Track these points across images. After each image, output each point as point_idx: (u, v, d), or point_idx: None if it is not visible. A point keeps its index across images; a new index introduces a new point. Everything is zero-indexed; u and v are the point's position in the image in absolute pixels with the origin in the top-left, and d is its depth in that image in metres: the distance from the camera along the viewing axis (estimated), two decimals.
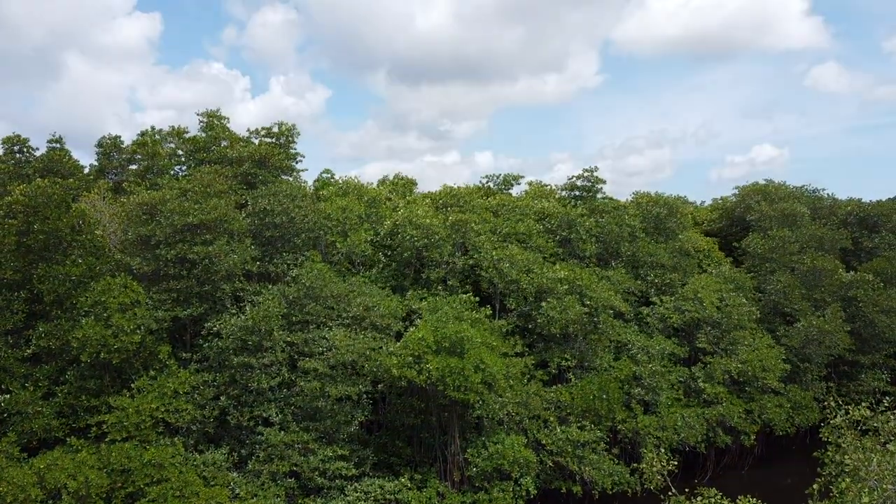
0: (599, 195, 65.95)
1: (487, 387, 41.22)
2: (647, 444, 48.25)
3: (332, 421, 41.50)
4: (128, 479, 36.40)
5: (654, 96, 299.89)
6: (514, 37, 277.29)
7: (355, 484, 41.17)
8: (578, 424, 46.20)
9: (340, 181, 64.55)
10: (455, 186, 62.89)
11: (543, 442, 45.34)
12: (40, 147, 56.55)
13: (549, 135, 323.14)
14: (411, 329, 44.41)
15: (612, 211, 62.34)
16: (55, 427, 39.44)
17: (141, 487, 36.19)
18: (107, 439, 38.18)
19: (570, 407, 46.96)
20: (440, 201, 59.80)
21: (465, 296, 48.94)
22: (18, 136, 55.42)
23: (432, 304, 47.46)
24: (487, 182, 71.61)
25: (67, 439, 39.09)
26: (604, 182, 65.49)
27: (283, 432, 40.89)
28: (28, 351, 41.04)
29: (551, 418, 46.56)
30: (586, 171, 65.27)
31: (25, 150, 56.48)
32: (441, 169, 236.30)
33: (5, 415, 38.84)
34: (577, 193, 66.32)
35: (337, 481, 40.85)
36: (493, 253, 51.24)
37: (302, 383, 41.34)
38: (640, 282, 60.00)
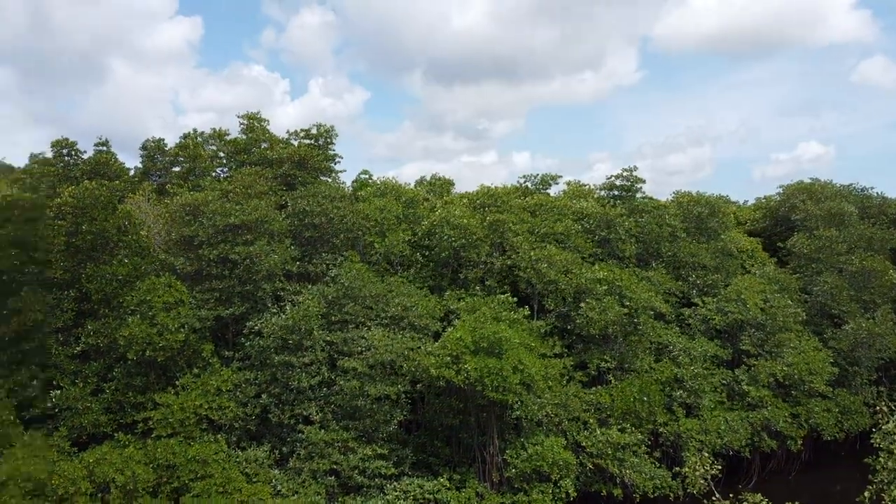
0: (639, 195, 65.08)
1: (526, 388, 41.00)
2: (689, 447, 47.47)
3: (372, 420, 41.75)
4: (173, 475, 37.15)
5: (695, 93, 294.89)
6: (551, 35, 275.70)
7: (394, 483, 41.35)
8: (619, 427, 45.66)
9: (378, 182, 64.90)
10: (492, 186, 62.72)
11: (583, 444, 44.94)
12: (87, 150, 58.02)
13: (588, 134, 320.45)
14: (449, 329, 44.42)
15: (652, 210, 61.48)
16: (103, 423, 40.45)
17: (185, 483, 36.89)
18: (153, 435, 39.05)
19: (610, 409, 46.45)
20: (477, 201, 59.70)
21: (502, 296, 48.78)
22: (67, 139, 56.91)
23: (470, 304, 47.42)
24: (525, 182, 71.24)
25: (115, 435, 40.12)
26: (643, 181, 64.61)
27: (323, 431, 41.27)
28: (77, 348, 42.20)
29: (591, 420, 46.12)
30: (625, 170, 64.50)
31: (73, 153, 57.94)
32: (478, 169, 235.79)
33: (56, 410, 39.96)
34: (616, 193, 65.56)
35: (376, 480, 41.08)
36: (531, 253, 50.97)
37: (341, 382, 41.68)
38: (681, 283, 59.09)
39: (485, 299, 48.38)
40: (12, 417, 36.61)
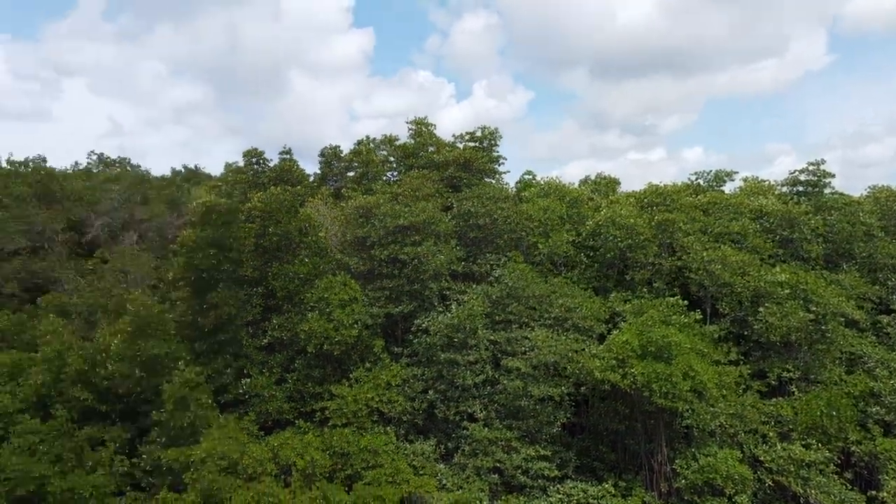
0: (827, 190, 59.61)
1: (697, 395, 39.04)
2: (887, 470, 42.71)
3: (535, 421, 41.69)
4: (347, 462, 39.37)
5: (892, 77, 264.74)
6: (725, 22, 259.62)
7: (557, 485, 40.98)
8: (803, 442, 42.12)
9: (542, 182, 64.64)
10: (661, 184, 60.22)
11: (761, 458, 41.94)
12: (273, 158, 62.90)
13: (766, 126, 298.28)
14: (615, 332, 43.32)
15: (843, 207, 56.08)
16: (286, 410, 43.77)
17: (358, 470, 38.95)
18: (329, 424, 41.66)
19: (793, 423, 42.96)
20: (645, 200, 57.59)
21: (672, 299, 46.71)
22: (256, 149, 62.14)
23: (637, 306, 45.91)
24: (697, 179, 67.63)
25: (296, 422, 43.26)
26: (832, 175, 59.07)
27: (486, 429, 41.83)
28: (264, 341, 45.98)
29: (770, 433, 42.94)
30: (811, 164, 59.37)
31: (261, 161, 63.17)
32: (645, 167, 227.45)
33: (246, 396, 43.81)
34: (801, 189, 60.46)
35: (539, 481, 40.94)
36: (704, 254, 48.37)
37: (505, 382, 42.00)
38: (877, 287, 53.39)
39: (652, 302, 46.60)
40: (210, 401, 40.63)
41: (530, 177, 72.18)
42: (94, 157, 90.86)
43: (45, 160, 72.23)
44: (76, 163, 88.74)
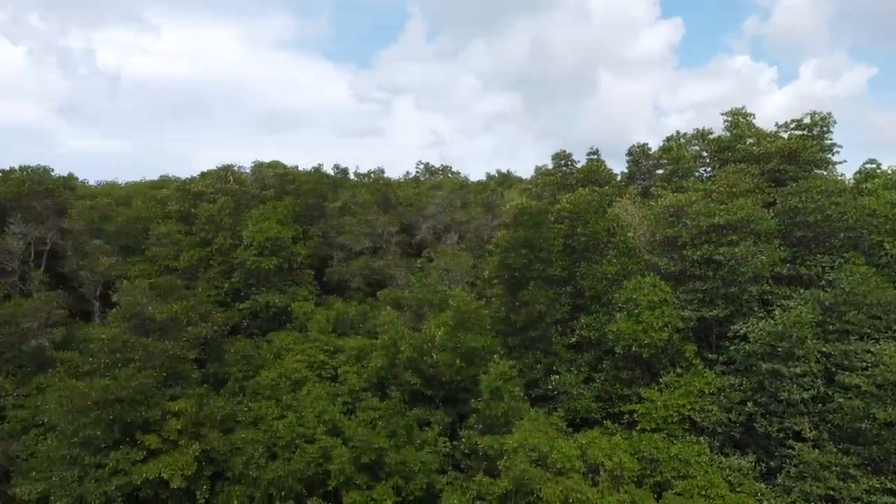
0: None
1: None
2: None
3: (879, 448, 36.16)
4: (656, 469, 38.27)
5: None
6: None
7: None
8: None
9: (889, 171, 55.68)
10: None
11: None
12: (580, 160, 63.96)
13: None
14: None
15: None
16: (594, 409, 44.06)
17: (667, 479, 37.64)
18: (637, 427, 40.94)
19: None
20: None
21: None
22: (564, 151, 63.82)
23: None
24: None
25: (603, 422, 43.26)
26: None
27: (817, 450, 37.39)
28: (572, 339, 46.88)
29: None
30: None
31: (569, 163, 64.58)
32: None
33: (555, 392, 45.08)
34: None
35: None
36: None
37: (840, 400, 37.19)
38: None
39: None
40: (522, 394, 42.61)
41: (873, 166, 62.69)
42: (421, 167, 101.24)
43: (382, 171, 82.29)
44: (407, 172, 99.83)
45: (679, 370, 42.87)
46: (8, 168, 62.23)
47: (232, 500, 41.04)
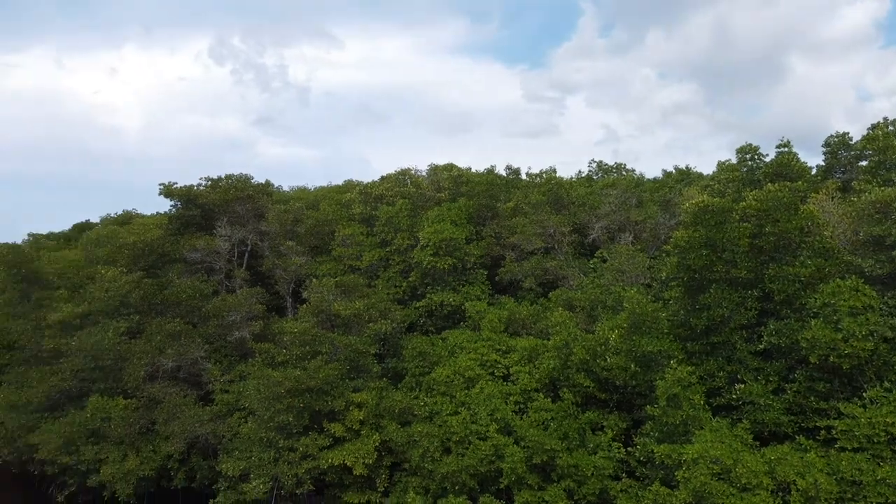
0: None
1: None
2: None
3: None
4: (859, 492, 34.65)
5: None
6: None
7: None
8: None
9: None
10: None
11: None
12: (769, 153, 59.53)
13: None
14: None
15: None
16: (784, 423, 40.70)
17: None
18: (835, 445, 37.33)
19: None
20: None
21: None
22: (750, 144, 59.89)
23: None
24: None
25: (795, 437, 39.89)
26: None
27: None
28: (759, 346, 43.63)
29: None
30: None
31: (756, 157, 60.32)
32: None
33: (740, 403, 42.20)
34: None
35: None
36: None
37: None
38: None
39: None
40: (702, 402, 40.37)
41: None
42: (594, 165, 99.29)
43: (554, 171, 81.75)
44: (579, 171, 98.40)
45: (888, 384, 38.48)
46: (216, 177, 69.80)
47: (409, 491, 42.87)
